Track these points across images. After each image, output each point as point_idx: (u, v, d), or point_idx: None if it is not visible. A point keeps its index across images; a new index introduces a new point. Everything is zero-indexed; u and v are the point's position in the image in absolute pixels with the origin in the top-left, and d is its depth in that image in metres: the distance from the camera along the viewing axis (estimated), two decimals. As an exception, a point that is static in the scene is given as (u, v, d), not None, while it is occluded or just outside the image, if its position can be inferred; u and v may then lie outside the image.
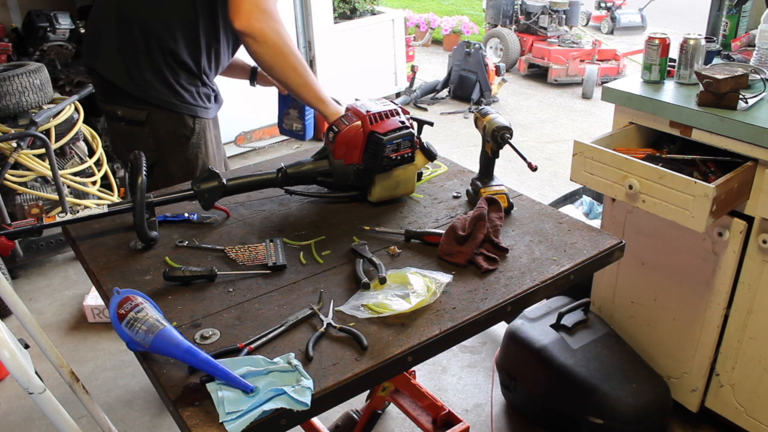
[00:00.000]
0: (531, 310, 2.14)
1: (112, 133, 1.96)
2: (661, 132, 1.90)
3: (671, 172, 1.66)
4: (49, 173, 2.95)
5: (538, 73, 6.16)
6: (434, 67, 6.67)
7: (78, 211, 1.40)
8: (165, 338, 1.01)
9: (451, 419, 1.76)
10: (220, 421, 0.93)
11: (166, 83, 1.75)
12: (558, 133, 4.86)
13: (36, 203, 3.00)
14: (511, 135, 1.50)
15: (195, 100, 1.83)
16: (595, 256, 1.36)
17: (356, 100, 1.59)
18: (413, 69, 5.56)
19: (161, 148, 1.82)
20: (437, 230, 1.41)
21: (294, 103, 1.97)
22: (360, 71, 4.99)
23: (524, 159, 1.45)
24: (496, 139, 1.50)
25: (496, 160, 1.57)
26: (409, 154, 1.52)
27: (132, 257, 1.37)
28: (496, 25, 6.60)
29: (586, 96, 5.58)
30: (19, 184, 2.96)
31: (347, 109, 1.56)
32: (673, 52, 1.95)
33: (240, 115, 4.26)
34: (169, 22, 1.71)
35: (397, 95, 5.50)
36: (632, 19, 7.73)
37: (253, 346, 1.09)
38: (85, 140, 3.39)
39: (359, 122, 1.49)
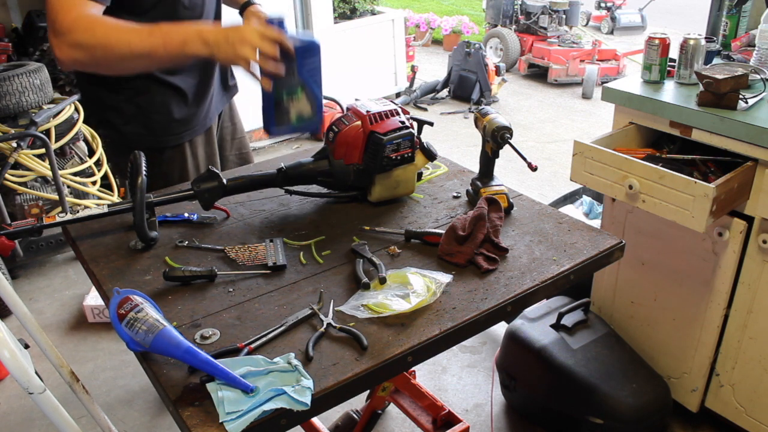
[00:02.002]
0: (531, 310, 2.14)
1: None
2: (661, 132, 1.90)
3: (671, 172, 1.66)
4: (49, 173, 2.95)
5: (538, 73, 6.16)
6: (434, 67, 6.67)
7: (78, 211, 1.40)
8: (165, 338, 1.01)
9: (451, 419, 1.76)
10: (220, 421, 0.93)
11: None
12: (558, 133, 4.86)
13: (36, 203, 3.00)
14: (511, 135, 1.50)
15: None
16: (595, 256, 1.36)
17: (356, 100, 1.59)
18: (413, 69, 5.56)
19: None
20: (437, 230, 1.41)
21: (289, 88, 1.46)
22: (360, 71, 4.99)
23: (524, 159, 1.45)
24: (496, 139, 1.49)
25: (496, 160, 1.57)
26: (409, 154, 1.52)
27: (132, 257, 1.37)
28: (496, 25, 6.60)
29: (586, 96, 5.58)
30: (19, 184, 2.96)
31: (347, 109, 1.56)
32: (673, 52, 1.95)
33: (240, 115, 4.26)
34: None
35: (397, 95, 5.50)
36: (632, 19, 7.73)
37: (253, 346, 1.09)
38: (85, 140, 3.39)
39: (359, 122, 1.49)
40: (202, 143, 1.81)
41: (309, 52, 1.46)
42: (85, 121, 3.28)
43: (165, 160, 1.72)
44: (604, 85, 2.00)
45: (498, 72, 5.48)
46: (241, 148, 2.05)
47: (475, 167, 1.67)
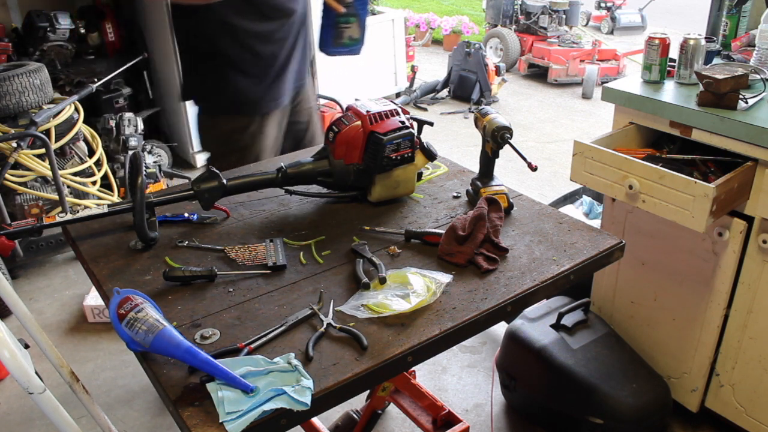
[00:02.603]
0: (531, 310, 2.14)
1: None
2: (661, 132, 1.90)
3: (671, 172, 1.66)
4: (49, 173, 2.95)
5: (538, 73, 6.16)
6: (434, 67, 6.67)
7: (78, 211, 1.40)
8: (165, 338, 1.01)
9: (451, 419, 1.76)
10: (220, 421, 0.93)
11: None
12: (558, 133, 4.86)
13: (36, 203, 3.00)
14: (511, 135, 1.50)
15: None
16: (595, 256, 1.36)
17: (356, 100, 1.59)
18: (413, 69, 5.56)
19: None
20: (437, 230, 1.41)
21: (346, 15, 1.80)
22: (360, 71, 4.98)
23: (524, 159, 1.45)
24: (496, 139, 1.50)
25: (496, 160, 1.57)
26: (409, 154, 1.52)
27: (132, 257, 1.37)
28: (496, 25, 6.60)
29: (586, 96, 5.58)
30: (19, 184, 2.96)
31: (347, 109, 1.56)
32: (673, 52, 1.95)
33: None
34: None
35: (397, 95, 5.50)
36: (632, 19, 7.72)
37: (253, 346, 1.09)
38: (85, 140, 3.39)
39: (359, 122, 1.49)
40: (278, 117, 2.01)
41: None
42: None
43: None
44: (604, 85, 2.00)
45: (498, 72, 5.48)
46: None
47: (475, 167, 1.67)
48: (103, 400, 2.34)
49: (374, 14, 5.31)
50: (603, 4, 7.95)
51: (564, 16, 6.22)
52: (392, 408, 2.21)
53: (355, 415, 2.05)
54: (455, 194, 1.64)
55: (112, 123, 3.47)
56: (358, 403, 2.11)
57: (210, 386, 0.99)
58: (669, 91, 1.89)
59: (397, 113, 1.52)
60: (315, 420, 1.74)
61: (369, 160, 1.49)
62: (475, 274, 1.30)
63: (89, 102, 3.59)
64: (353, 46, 1.86)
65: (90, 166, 3.28)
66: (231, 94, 1.93)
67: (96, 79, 3.57)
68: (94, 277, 1.32)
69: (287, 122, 2.10)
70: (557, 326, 2.07)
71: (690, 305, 1.96)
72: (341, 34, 1.81)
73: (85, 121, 3.36)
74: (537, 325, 2.10)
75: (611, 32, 7.75)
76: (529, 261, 1.34)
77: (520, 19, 6.37)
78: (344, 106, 1.61)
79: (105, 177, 3.39)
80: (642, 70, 1.98)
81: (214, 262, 1.35)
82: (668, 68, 1.96)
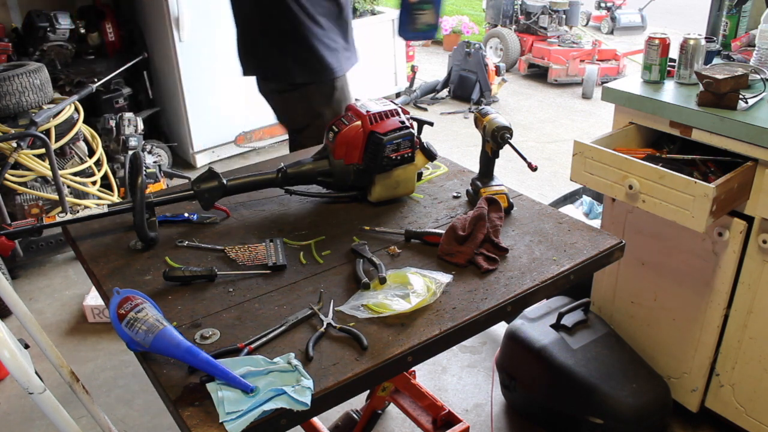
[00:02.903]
0: (531, 310, 2.14)
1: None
2: (661, 132, 1.90)
3: (671, 172, 1.66)
4: (49, 173, 2.95)
5: (538, 73, 6.16)
6: (434, 67, 6.67)
7: (78, 211, 1.40)
8: (165, 338, 1.01)
9: (451, 419, 1.76)
10: (220, 421, 0.93)
11: None
12: (558, 133, 4.86)
13: (36, 203, 3.00)
14: (511, 135, 1.50)
15: None
16: (595, 256, 1.36)
17: (356, 100, 1.59)
18: (413, 69, 5.56)
19: None
20: (437, 230, 1.41)
21: (423, 2, 1.96)
22: (360, 71, 4.98)
23: (524, 159, 1.45)
24: (496, 139, 1.50)
25: (496, 160, 1.57)
26: (409, 154, 1.52)
27: (132, 257, 1.37)
28: (496, 25, 6.60)
29: (586, 96, 5.58)
30: (19, 184, 2.96)
31: (347, 109, 1.56)
32: (673, 52, 1.95)
33: (240, 115, 4.26)
34: None
35: (397, 95, 5.49)
36: (632, 19, 7.72)
37: (253, 346, 1.09)
38: (85, 140, 3.39)
39: (359, 122, 1.49)
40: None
41: None
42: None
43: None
44: (604, 85, 2.00)
45: (498, 72, 5.48)
46: None
47: (475, 167, 1.67)
48: (103, 400, 2.34)
49: (374, 14, 5.31)
50: (603, 4, 7.95)
51: (564, 16, 6.22)
52: (392, 408, 2.21)
53: (355, 415, 2.05)
54: (455, 194, 1.64)
55: (112, 123, 3.47)
56: (358, 403, 2.11)
57: (210, 386, 0.99)
58: (669, 91, 1.89)
59: (397, 113, 1.52)
60: (315, 420, 1.74)
61: (369, 160, 1.49)
62: (475, 274, 1.30)
63: (89, 102, 3.59)
64: (428, 32, 2.04)
65: (90, 166, 3.28)
66: (316, 62, 2.11)
67: (96, 79, 3.57)
68: (94, 277, 1.32)
69: None
70: (557, 326, 2.07)
71: (690, 305, 1.96)
72: (417, 20, 1.97)
73: (85, 121, 3.36)
74: (537, 325, 2.10)
75: (611, 32, 7.75)
76: (529, 261, 1.34)
77: (520, 19, 6.37)
78: (344, 106, 1.61)
79: (105, 177, 3.39)
80: (642, 70, 1.98)
81: (214, 262, 1.35)
82: (668, 68, 1.96)
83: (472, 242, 1.34)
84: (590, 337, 2.05)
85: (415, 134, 1.52)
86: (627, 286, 2.15)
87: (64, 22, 3.64)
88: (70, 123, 3.18)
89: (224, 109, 4.21)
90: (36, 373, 1.34)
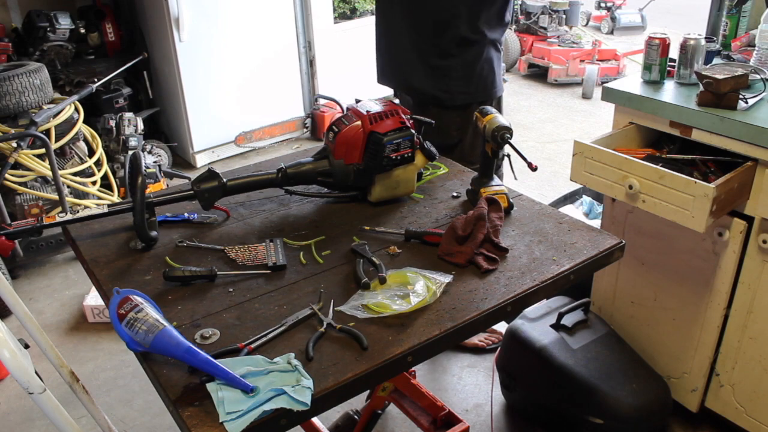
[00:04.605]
0: (531, 310, 2.14)
1: None
2: (661, 132, 1.90)
3: (671, 172, 1.66)
4: (49, 173, 2.95)
5: (538, 73, 6.16)
6: (434, 67, 6.66)
7: (78, 211, 1.40)
8: (165, 338, 1.01)
9: (451, 419, 1.75)
10: (220, 421, 0.93)
11: None
12: (558, 133, 4.86)
13: (36, 203, 3.00)
14: (511, 135, 1.50)
15: None
16: (595, 256, 1.36)
17: (357, 101, 1.59)
18: (413, 69, 5.55)
19: None
20: (437, 230, 1.41)
21: None
22: (360, 71, 4.97)
23: (524, 159, 1.45)
24: (496, 139, 1.49)
25: (496, 160, 1.57)
26: (409, 154, 1.52)
27: (132, 257, 1.37)
28: (496, 25, 6.59)
29: (586, 96, 5.58)
30: (19, 184, 2.96)
31: (347, 109, 1.56)
32: (673, 52, 1.95)
33: (240, 115, 4.26)
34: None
35: (397, 95, 5.49)
36: (632, 19, 7.72)
37: (253, 346, 1.09)
38: (85, 140, 3.39)
39: (359, 122, 1.49)
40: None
41: None
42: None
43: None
44: (604, 85, 2.00)
45: (498, 72, 5.47)
46: None
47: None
48: (103, 400, 2.34)
49: (374, 14, 5.31)
50: (603, 4, 7.95)
51: (564, 16, 6.22)
52: (392, 408, 2.21)
53: (355, 415, 2.05)
54: (455, 194, 1.64)
55: (112, 123, 3.48)
56: (358, 403, 2.11)
57: (210, 386, 0.99)
58: (669, 91, 1.89)
59: (397, 113, 1.52)
60: (315, 420, 1.74)
61: (369, 160, 1.49)
62: (475, 274, 1.30)
63: (89, 102, 3.59)
64: None
65: (90, 166, 3.28)
66: (486, 78, 2.13)
67: (96, 79, 3.57)
68: (94, 277, 1.32)
69: None
70: (557, 326, 2.07)
71: (690, 305, 1.96)
72: None
73: (85, 121, 3.36)
74: (537, 325, 2.10)
75: (611, 32, 7.75)
76: (529, 261, 1.34)
77: (520, 19, 6.37)
78: (344, 106, 1.60)
79: (105, 177, 3.39)
80: (642, 70, 1.98)
81: (214, 262, 1.35)
82: (668, 68, 1.96)
83: (472, 242, 1.34)
84: (590, 337, 2.05)
85: (415, 134, 1.52)
86: (627, 286, 2.15)
87: (64, 22, 3.65)
88: (70, 123, 3.18)
89: (224, 109, 4.21)
90: (36, 373, 1.34)
